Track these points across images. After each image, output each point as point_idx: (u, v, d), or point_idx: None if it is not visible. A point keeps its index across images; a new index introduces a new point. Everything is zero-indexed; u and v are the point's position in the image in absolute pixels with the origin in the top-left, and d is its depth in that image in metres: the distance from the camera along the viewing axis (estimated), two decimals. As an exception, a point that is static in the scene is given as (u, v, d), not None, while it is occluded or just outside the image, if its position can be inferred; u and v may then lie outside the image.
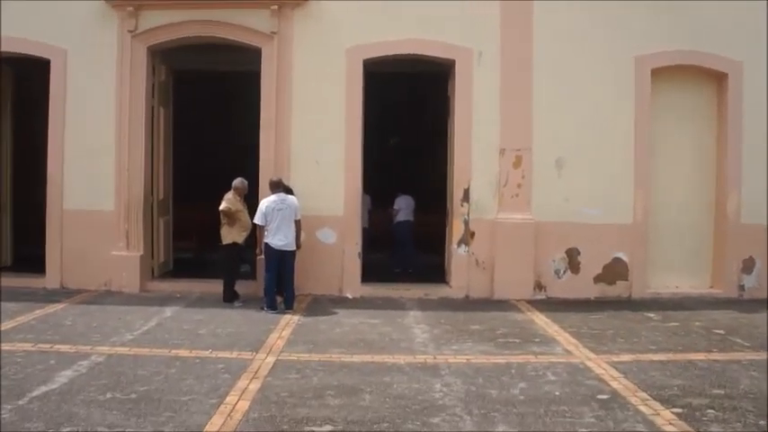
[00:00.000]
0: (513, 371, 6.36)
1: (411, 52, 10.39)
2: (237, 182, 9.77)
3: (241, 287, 9.96)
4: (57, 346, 7.20)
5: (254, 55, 10.40)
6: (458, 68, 10.31)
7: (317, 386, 5.87)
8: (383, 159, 14.84)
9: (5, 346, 7.15)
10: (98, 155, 10.56)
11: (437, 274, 11.06)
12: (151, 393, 5.66)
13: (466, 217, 10.33)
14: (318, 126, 10.32)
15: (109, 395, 5.62)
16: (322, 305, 9.61)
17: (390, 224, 12.65)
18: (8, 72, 11.86)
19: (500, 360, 6.74)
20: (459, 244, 10.36)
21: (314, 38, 10.29)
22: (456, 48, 10.29)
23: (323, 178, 10.32)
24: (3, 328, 8.02)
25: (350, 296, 10.26)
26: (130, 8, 10.25)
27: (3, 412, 5.18)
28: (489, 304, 9.78)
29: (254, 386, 5.86)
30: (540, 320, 8.70)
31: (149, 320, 8.50)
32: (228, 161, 12.10)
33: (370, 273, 10.80)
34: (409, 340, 7.58)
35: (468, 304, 9.84)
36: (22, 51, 10.76)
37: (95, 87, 10.53)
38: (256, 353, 6.98)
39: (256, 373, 6.25)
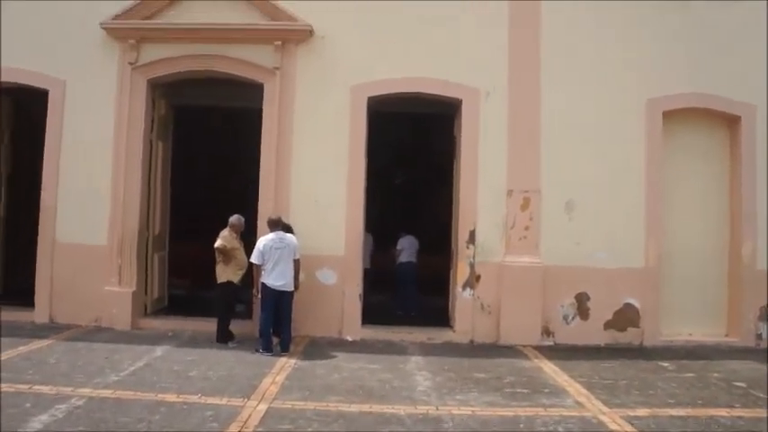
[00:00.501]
0: (521, 425, 5.93)
1: (417, 91, 10.16)
2: (234, 219, 9.44)
3: (237, 327, 9.55)
4: (36, 387, 6.79)
5: (256, 91, 10.16)
6: (464, 108, 10.06)
7: (311, 439, 5.44)
8: (387, 199, 14.51)
9: (-21, 388, 6.76)
10: (93, 187, 10.27)
11: (441, 317, 10.63)
12: (131, 443, 5.24)
13: (471, 259, 9.96)
14: (320, 164, 10.04)
15: (85, 444, 5.20)
16: (320, 348, 9.18)
17: (393, 265, 12.25)
18: (7, 101, 11.63)
19: (507, 413, 6.30)
20: (463, 287, 9.97)
21: (317, 74, 10.07)
22: (463, 87, 10.05)
23: (323, 217, 9.99)
24: (-18, 366, 7.66)
25: (350, 339, 9.84)
26: (132, 40, 10.07)
27: None
28: (495, 350, 9.35)
29: (244, 438, 5.44)
30: (549, 368, 8.26)
31: (138, 360, 8.09)
32: (228, 197, 11.76)
33: (372, 315, 10.39)
34: (410, 388, 7.14)
35: (473, 350, 9.41)
36: (21, 81, 10.57)
37: (93, 119, 10.29)
38: (248, 399, 6.55)
39: (246, 423, 5.83)
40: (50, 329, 9.83)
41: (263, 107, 10.04)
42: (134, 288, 10.24)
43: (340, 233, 10.02)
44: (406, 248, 12.15)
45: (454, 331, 9.99)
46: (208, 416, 5.98)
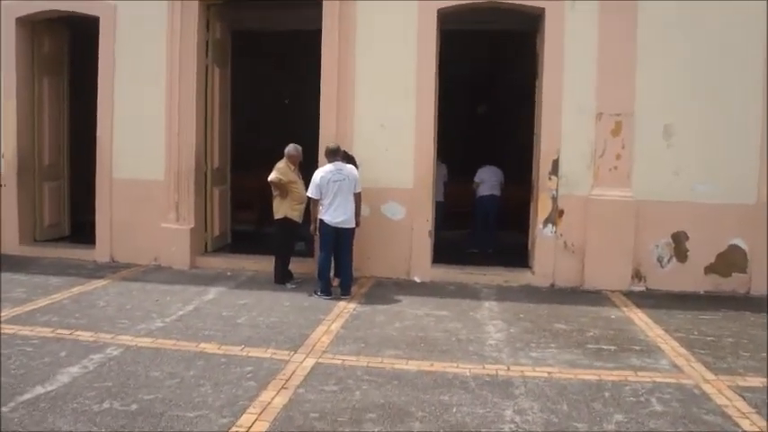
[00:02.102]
0: (606, 394, 4.99)
1: (494, 0, 8.89)
2: (290, 148, 8.67)
3: (298, 266, 8.96)
4: (77, 333, 6.39)
5: (318, 12, 9.19)
6: (547, 19, 8.77)
7: (357, 405, 4.70)
8: (463, 125, 13.43)
9: (25, 330, 6.47)
10: (148, 119, 9.75)
11: (519, 257, 9.66)
12: (155, 405, 4.65)
13: (554, 192, 8.87)
14: (386, 85, 9.06)
15: (106, 404, 4.66)
16: (384, 290, 8.45)
17: (469, 198, 11.29)
18: (63, 31, 11.15)
19: (590, 376, 5.36)
20: (545, 223, 8.93)
21: (380, -14, 8.99)
22: (545, -8, 8.76)
23: (390, 145, 9.08)
24: (36, 306, 7.43)
25: (418, 280, 9.05)
26: (181, -43, 9.28)
27: None
28: (578, 296, 8.34)
29: (280, 400, 4.76)
30: (640, 320, 7.21)
31: (188, 304, 7.59)
32: (293, 125, 11.00)
33: (443, 253, 9.58)
34: (480, 342, 6.29)
35: (554, 295, 8.43)
36: (71, 9, 10.06)
37: (145, 46, 9.70)
38: (295, 352, 5.89)
39: (287, 381, 5.15)
40: (109, 269, 9.54)
41: (323, 26, 9.09)
42: (192, 225, 9.74)
43: (408, 163, 9.10)
44: (487, 180, 11.10)
45: (533, 273, 9.02)
46: (246, 372, 5.34)
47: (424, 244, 9.15)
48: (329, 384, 5.10)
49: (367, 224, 8.82)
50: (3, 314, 7.05)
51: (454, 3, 8.89)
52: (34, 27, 10.56)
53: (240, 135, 11.67)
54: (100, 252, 10.11)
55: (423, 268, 9.12)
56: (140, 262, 9.83)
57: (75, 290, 8.25)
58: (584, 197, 8.76)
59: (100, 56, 9.89)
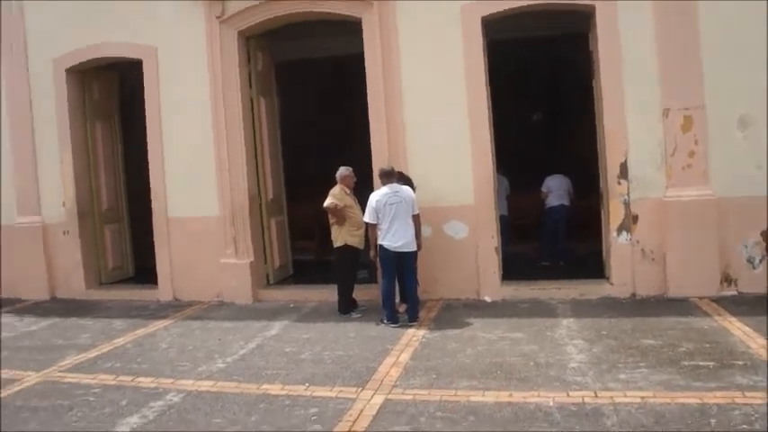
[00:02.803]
0: (713, 421, 4.40)
1: (539, 2, 8.40)
2: (342, 170, 8.38)
3: (363, 293, 8.63)
4: (138, 379, 6.21)
5: (359, 36, 8.93)
6: (599, 15, 8.23)
7: (432, 446, 4.29)
8: (521, 135, 12.90)
9: (88, 379, 6.35)
10: (197, 155, 9.66)
11: (593, 267, 9.07)
12: (216, 457, 4.36)
13: (625, 197, 8.29)
14: (435, 101, 8.68)
15: (165, 459, 4.39)
16: (454, 313, 8.01)
17: (534, 210, 10.77)
18: (111, 76, 11.25)
19: (691, 400, 4.78)
20: (619, 231, 8.34)
21: (419, -3, 8.67)
22: (596, -12, 8.25)
23: (446, 161, 8.67)
24: (100, 352, 7.35)
25: (488, 300, 8.58)
26: (215, -8, 9.22)
27: None
28: (663, 305, 7.71)
29: (348, 445, 4.40)
30: (737, 329, 6.55)
31: (250, 341, 7.33)
32: (346, 150, 10.71)
33: (513, 269, 9.09)
34: (561, 365, 5.78)
35: (636, 306, 7.83)
36: (116, 54, 10.15)
37: (188, 83, 9.65)
38: (362, 388, 5.52)
39: (355, 422, 4.78)
40: (172, 308, 9.42)
41: (364, 44, 8.83)
42: (251, 258, 9.54)
43: (467, 178, 8.66)
44: (555, 189, 10.57)
45: (611, 284, 8.42)
46: (311, 414, 5.00)
47: (491, 261, 8.68)
48: (400, 424, 4.70)
49: (430, 245, 8.43)
50: (67, 362, 6.99)
51: (498, 9, 8.44)
52: (83, 76, 10.69)
53: (295, 163, 11.49)
54: (162, 292, 10.03)
55: (492, 287, 8.65)
56: (203, 299, 9.69)
57: (139, 332, 8.13)
58: (659, 199, 8.15)
59: (146, 97, 9.90)
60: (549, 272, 9.59)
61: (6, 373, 6.74)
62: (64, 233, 10.58)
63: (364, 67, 8.90)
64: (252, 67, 9.74)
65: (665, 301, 7.89)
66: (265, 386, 5.76)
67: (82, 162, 10.67)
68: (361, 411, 4.98)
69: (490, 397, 5.10)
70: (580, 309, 7.79)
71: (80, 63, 10.34)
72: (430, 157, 8.70)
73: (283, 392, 5.57)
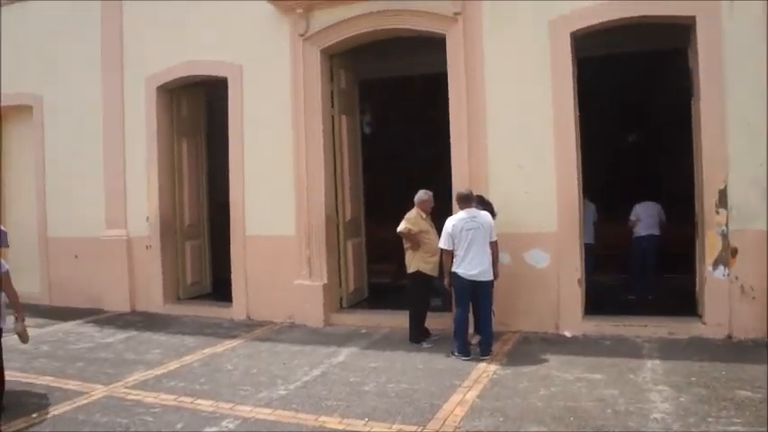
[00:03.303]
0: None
1: (631, 15, 7.80)
2: (421, 194, 8.10)
3: (437, 321, 8.28)
4: (198, 401, 6.11)
5: (443, 54, 8.65)
6: (699, 29, 7.61)
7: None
8: (611, 158, 12.24)
9: (150, 398, 6.32)
10: (277, 174, 9.65)
11: (685, 304, 8.36)
12: (258, 496, 4.12)
13: (723, 228, 7.57)
14: (520, 122, 8.28)
15: (207, 493, 4.19)
16: (530, 348, 7.53)
17: (624, 239, 10.09)
18: (199, 94, 11.45)
19: (794, 469, 4.19)
20: (715, 264, 7.62)
21: (504, 13, 8.29)
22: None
23: (529, 186, 8.24)
24: (166, 370, 7.33)
25: (568, 335, 8.04)
26: (300, 10, 9.19)
27: None
28: (764, 351, 6.92)
29: (399, 494, 4.05)
30: None
31: (315, 367, 7.10)
32: (432, 172, 10.41)
33: (597, 302, 8.50)
34: (642, 415, 5.22)
35: (732, 350, 7.08)
36: (201, 73, 10.35)
37: (271, 101, 9.68)
38: (423, 427, 5.17)
39: (409, 467, 4.43)
40: (244, 327, 9.37)
41: (447, 61, 8.54)
42: (325, 281, 9.37)
43: (551, 204, 8.18)
44: (644, 218, 9.85)
45: (704, 323, 7.69)
46: (364, 455, 4.69)
47: (573, 293, 8.14)
48: (459, 472, 4.32)
49: (508, 274, 8.00)
50: (134, 378, 7.00)
51: (588, 23, 7.96)
52: (172, 93, 10.93)
53: (376, 184, 11.31)
54: (236, 310, 10.01)
55: (573, 321, 8.10)
56: (275, 320, 9.59)
57: (207, 351, 8.08)
58: (762, 231, 7.40)
59: (230, 115, 10.00)
60: (635, 307, 8.94)
61: (77, 385, 6.82)
62: (147, 247, 10.78)
63: (448, 86, 8.60)
64: (334, 85, 9.64)
65: (767, 345, 7.10)
66: (323, 418, 5.50)
67: (167, 178, 10.88)
68: (420, 455, 4.63)
69: (560, 448, 4.64)
70: (668, 350, 7.14)
71: (170, 81, 10.59)
72: (512, 180, 8.29)
73: (340, 426, 5.30)
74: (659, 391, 5.79)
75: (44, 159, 11.88)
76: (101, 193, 11.19)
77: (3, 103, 12.30)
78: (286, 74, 9.45)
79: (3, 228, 7.21)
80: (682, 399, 5.56)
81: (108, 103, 11.09)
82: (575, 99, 8.11)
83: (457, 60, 8.46)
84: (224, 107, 10.11)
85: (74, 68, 11.42)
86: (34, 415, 5.92)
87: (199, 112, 11.57)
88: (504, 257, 8.05)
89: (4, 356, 6.24)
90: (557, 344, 7.66)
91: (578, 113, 8.21)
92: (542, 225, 8.22)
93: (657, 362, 6.71)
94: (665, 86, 10.12)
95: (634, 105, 12.80)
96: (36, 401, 6.33)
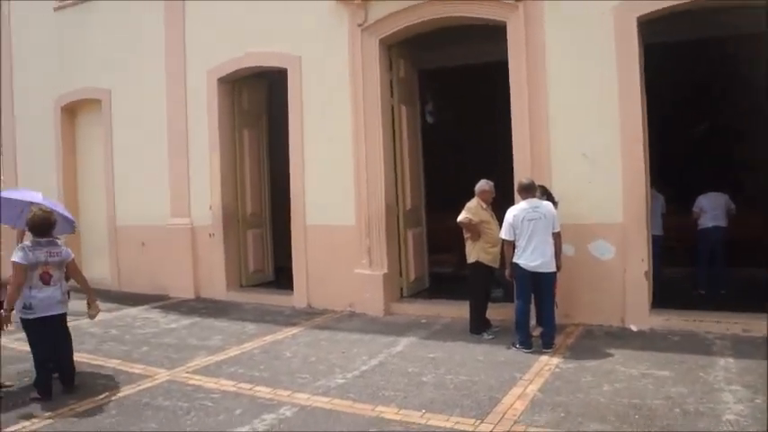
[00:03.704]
0: None
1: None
2: (482, 184, 7.96)
3: (499, 312, 8.17)
4: (256, 388, 6.15)
5: (504, 43, 8.45)
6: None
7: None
8: (681, 148, 11.76)
9: (210, 383, 6.41)
10: (337, 164, 9.65)
11: (760, 298, 7.95)
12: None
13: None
14: (585, 110, 8.02)
15: (263, 480, 4.21)
16: (594, 342, 7.30)
17: (693, 231, 9.71)
18: (260, 86, 11.56)
19: None
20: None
21: (569, -2, 8.04)
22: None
23: (594, 175, 7.98)
24: (227, 356, 7.42)
25: (634, 329, 7.77)
26: (358, 0, 9.13)
27: None
28: None
29: (455, 488, 3.97)
30: None
31: (374, 357, 7.08)
32: (493, 162, 10.23)
33: (665, 296, 8.19)
34: (713, 416, 4.98)
35: (813, 348, 6.72)
36: (262, 64, 10.46)
37: (330, 92, 9.69)
38: (481, 421, 5.07)
39: (466, 460, 4.35)
40: (305, 315, 9.43)
41: (508, 49, 8.35)
42: (385, 270, 9.34)
43: (616, 194, 7.89)
44: (709, 210, 9.44)
45: (783, 320, 7.32)
46: (422, 446, 4.63)
47: (639, 286, 7.86)
48: (517, 467, 4.21)
49: (572, 266, 7.80)
50: (196, 363, 7.12)
51: (656, 7, 7.62)
52: (234, 85, 11.06)
53: (438, 174, 11.21)
54: (297, 298, 10.09)
55: (640, 315, 7.83)
56: (336, 308, 9.62)
57: (268, 338, 8.16)
58: None
59: (289, 105, 10.06)
60: (706, 301, 8.56)
61: (142, 369, 6.99)
62: (210, 235, 10.97)
63: (509, 75, 8.41)
64: (393, 75, 9.57)
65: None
66: (380, 408, 5.46)
67: (229, 168, 11.04)
68: (475, 448, 4.54)
69: (624, 447, 4.47)
70: (742, 347, 6.79)
71: (230, 73, 10.73)
72: (576, 169, 8.05)
73: (397, 417, 5.24)
74: (732, 391, 5.52)
75: (112, 151, 12.27)
76: (166, 182, 11.46)
77: (74, 98, 12.77)
78: (345, 64, 9.44)
79: (70, 215, 7.44)
80: (757, 401, 5.26)
81: (172, 95, 11.34)
82: (642, 86, 7.79)
83: (518, 48, 8.26)
84: (285, 98, 10.15)
85: (139, 63, 11.76)
86: (102, 396, 6.10)
87: (260, 103, 11.70)
88: (568, 249, 7.85)
89: (75, 339, 6.52)
90: (622, 338, 7.41)
91: (646, 101, 7.89)
92: (607, 216, 7.96)
93: (731, 360, 6.39)
94: (741, 73, 9.62)
95: (707, 92, 12.25)
96: (103, 383, 6.54)
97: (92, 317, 6.61)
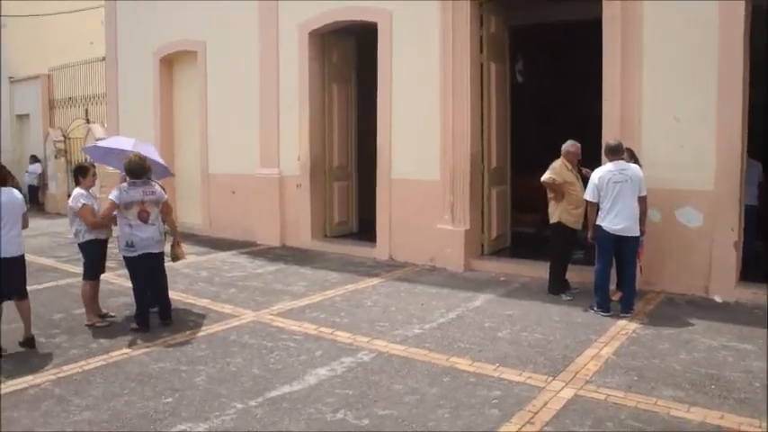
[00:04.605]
0: None
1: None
2: (568, 145, 7.87)
3: (578, 275, 8.14)
4: (336, 333, 6.45)
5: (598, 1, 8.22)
6: None
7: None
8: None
9: (294, 326, 6.74)
10: (424, 119, 9.70)
11: None
12: (386, 423, 4.36)
13: None
14: (679, 72, 7.74)
15: (340, 414, 4.50)
16: (674, 310, 7.19)
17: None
18: (349, 40, 11.68)
19: None
20: None
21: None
22: None
23: (685, 140, 7.74)
24: (311, 301, 7.77)
25: (718, 300, 7.58)
26: (451, -47, 9.05)
27: (226, 415, 4.52)
28: None
29: (520, 440, 4.11)
30: None
31: (452, 310, 7.24)
32: (583, 123, 10.05)
33: (754, 268, 7.91)
34: (794, 390, 4.90)
35: None
36: (351, 18, 10.52)
37: (420, 46, 9.68)
38: (553, 378, 5.15)
39: (536, 415, 4.46)
40: (386, 267, 9.65)
41: (603, 6, 8.10)
42: (467, 226, 9.41)
43: (708, 160, 7.62)
44: None
45: None
46: (492, 397, 4.77)
47: (727, 256, 7.62)
48: (584, 426, 4.30)
49: (657, 231, 7.68)
50: (280, 306, 7.50)
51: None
52: (324, 39, 11.22)
53: (525, 133, 11.10)
54: (380, 250, 10.32)
55: (725, 286, 7.62)
56: (416, 262, 9.80)
57: (349, 287, 8.45)
58: None
59: (379, 60, 10.12)
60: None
61: (230, 309, 7.42)
62: (297, 186, 11.31)
63: (600, 34, 8.20)
64: (484, 31, 9.46)
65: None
66: (454, 359, 5.63)
67: (318, 120, 11.29)
68: (546, 403, 4.64)
69: (696, 415, 4.45)
70: (834, 325, 6.56)
71: (321, 27, 10.87)
72: (667, 133, 7.82)
73: (471, 369, 5.40)
74: (817, 367, 5.38)
75: (207, 101, 12.74)
76: (256, 133, 11.84)
77: (171, 50, 13.28)
78: (435, 19, 9.39)
79: (162, 161, 7.88)
80: (843, 379, 5.14)
81: (264, 48, 11.63)
82: (745, 48, 7.43)
83: (612, 5, 8.01)
84: (373, 55, 10.23)
85: (233, 15, 12.06)
86: (193, 331, 6.58)
87: (349, 58, 11.84)
88: (655, 214, 7.71)
89: (169, 279, 7.02)
90: (704, 308, 7.26)
91: (748, 65, 7.54)
92: (697, 182, 7.72)
93: (819, 337, 6.20)
94: None
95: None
96: (194, 320, 7.00)
97: (174, 259, 7.07)
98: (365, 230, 11.51)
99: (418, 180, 9.83)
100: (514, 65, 11.63)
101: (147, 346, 6.09)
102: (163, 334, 6.47)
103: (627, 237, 6.98)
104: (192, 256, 7.43)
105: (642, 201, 7.02)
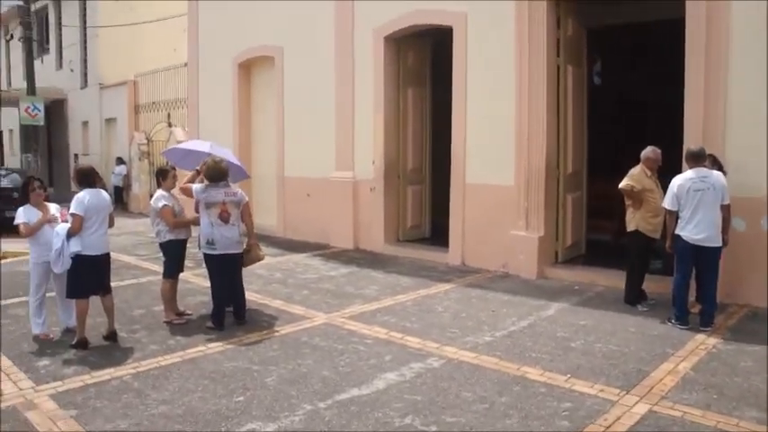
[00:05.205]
0: None
1: None
2: (648, 151, 7.63)
3: (656, 285, 7.91)
4: (406, 338, 6.46)
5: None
6: None
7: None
8: None
9: (365, 329, 6.83)
10: (498, 123, 9.62)
11: None
12: (454, 430, 4.34)
13: None
14: (766, 73, 7.40)
15: (408, 420, 4.52)
16: (759, 325, 6.85)
17: None
18: (425, 45, 11.71)
19: None
20: None
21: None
22: None
23: (772, 145, 7.41)
24: (381, 305, 7.82)
25: (809, 314, 7.23)
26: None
27: (295, 416, 4.60)
28: None
29: (590, 455, 4.02)
30: None
31: (524, 318, 7.15)
32: (664, 127, 9.73)
33: None
34: None
35: None
36: (427, 22, 10.55)
37: (495, 50, 9.60)
38: (626, 392, 5.01)
39: (606, 431, 4.35)
40: (458, 273, 9.63)
41: (686, 6, 7.81)
42: (541, 233, 9.28)
43: (801, 165, 7.30)
44: None
45: None
46: (562, 409, 4.68)
47: (820, 270, 7.26)
48: (659, 443, 4.17)
49: (741, 241, 7.35)
50: (352, 310, 7.58)
51: None
52: (399, 43, 11.29)
53: (603, 138, 10.86)
54: (452, 255, 10.29)
55: (816, 300, 7.26)
56: (489, 267, 9.73)
57: (421, 292, 8.46)
58: None
59: (454, 63, 10.10)
60: None
61: (302, 311, 7.56)
62: (371, 189, 11.41)
63: (683, 34, 7.93)
64: (561, 33, 9.30)
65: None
66: (525, 368, 5.56)
67: (393, 125, 11.37)
68: (618, 418, 4.52)
69: (778, 438, 4.26)
70: None
71: (396, 31, 10.95)
72: (753, 138, 7.48)
73: (541, 379, 5.32)
74: None
75: (283, 105, 13.03)
76: (332, 136, 12.02)
77: (249, 55, 13.66)
78: (510, 21, 9.30)
79: (238, 162, 8.10)
80: None
81: (340, 53, 11.80)
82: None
83: (697, 5, 7.73)
84: (448, 58, 10.22)
85: (310, 21, 12.31)
86: (266, 331, 6.73)
87: (424, 62, 11.88)
88: (739, 223, 7.40)
89: (245, 279, 7.23)
90: (793, 324, 6.92)
91: None
92: (787, 190, 7.38)
93: None
94: None
95: None
96: (267, 320, 7.16)
97: (250, 261, 7.22)
98: (438, 235, 11.51)
99: (492, 185, 9.76)
100: (592, 66, 11.36)
101: (222, 345, 6.27)
102: (237, 333, 6.65)
103: (707, 247, 6.72)
104: (267, 258, 7.59)
105: (725, 209, 6.75)
